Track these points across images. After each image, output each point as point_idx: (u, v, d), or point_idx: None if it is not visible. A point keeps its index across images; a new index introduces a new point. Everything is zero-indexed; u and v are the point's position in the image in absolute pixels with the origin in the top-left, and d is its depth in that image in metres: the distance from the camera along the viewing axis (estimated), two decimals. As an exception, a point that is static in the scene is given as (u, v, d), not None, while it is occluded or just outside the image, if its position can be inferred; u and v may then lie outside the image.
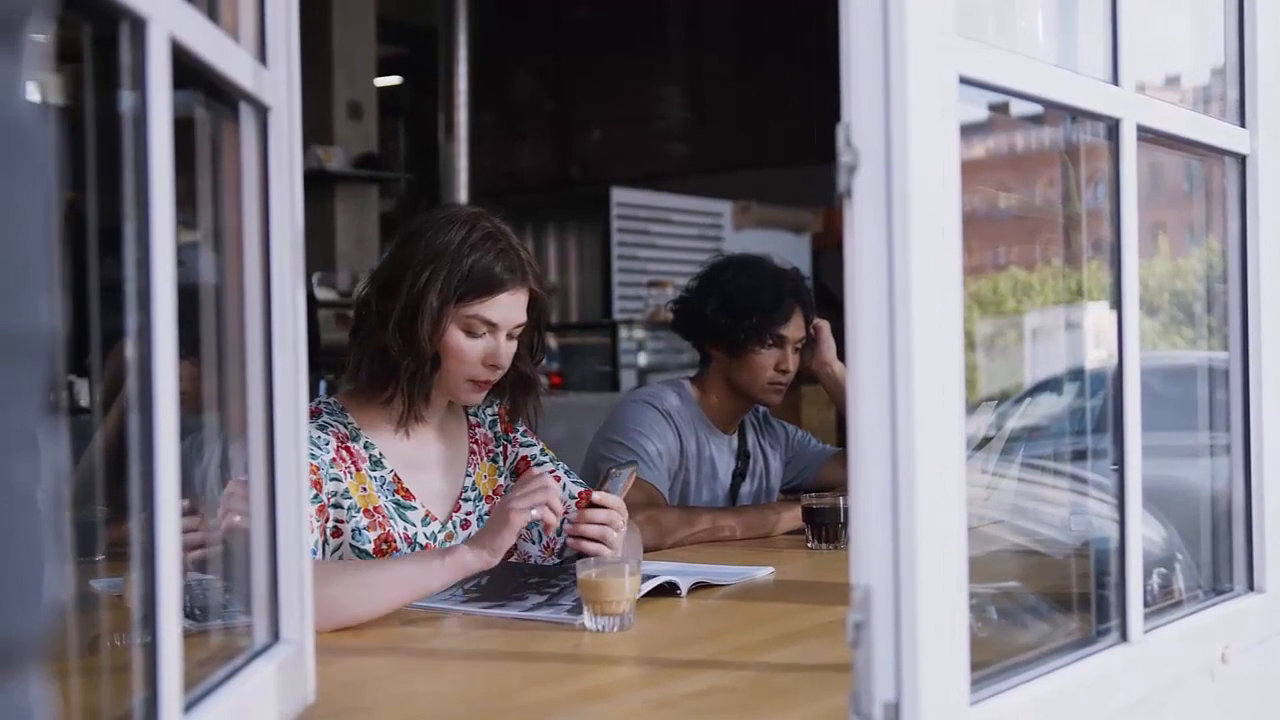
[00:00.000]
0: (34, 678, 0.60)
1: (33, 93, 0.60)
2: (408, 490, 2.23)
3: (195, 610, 1.38)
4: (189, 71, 1.12)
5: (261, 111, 1.35)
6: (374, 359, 2.20)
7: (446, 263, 2.16)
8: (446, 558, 1.97)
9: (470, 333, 2.18)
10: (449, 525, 2.28)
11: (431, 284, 2.14)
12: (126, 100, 1.03)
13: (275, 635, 1.38)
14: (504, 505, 2.00)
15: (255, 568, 1.37)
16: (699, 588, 2.17)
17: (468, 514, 2.31)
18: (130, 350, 1.02)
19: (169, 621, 1.02)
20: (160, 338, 1.02)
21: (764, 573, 2.35)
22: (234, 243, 1.37)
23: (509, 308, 2.20)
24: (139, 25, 1.00)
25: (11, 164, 0.58)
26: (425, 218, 2.27)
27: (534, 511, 1.97)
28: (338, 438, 2.17)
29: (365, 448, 2.22)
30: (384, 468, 2.22)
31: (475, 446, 2.37)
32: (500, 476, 2.38)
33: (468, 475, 2.34)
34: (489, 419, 2.42)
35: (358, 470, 2.18)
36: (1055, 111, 1.59)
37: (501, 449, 2.41)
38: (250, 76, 1.30)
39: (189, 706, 1.10)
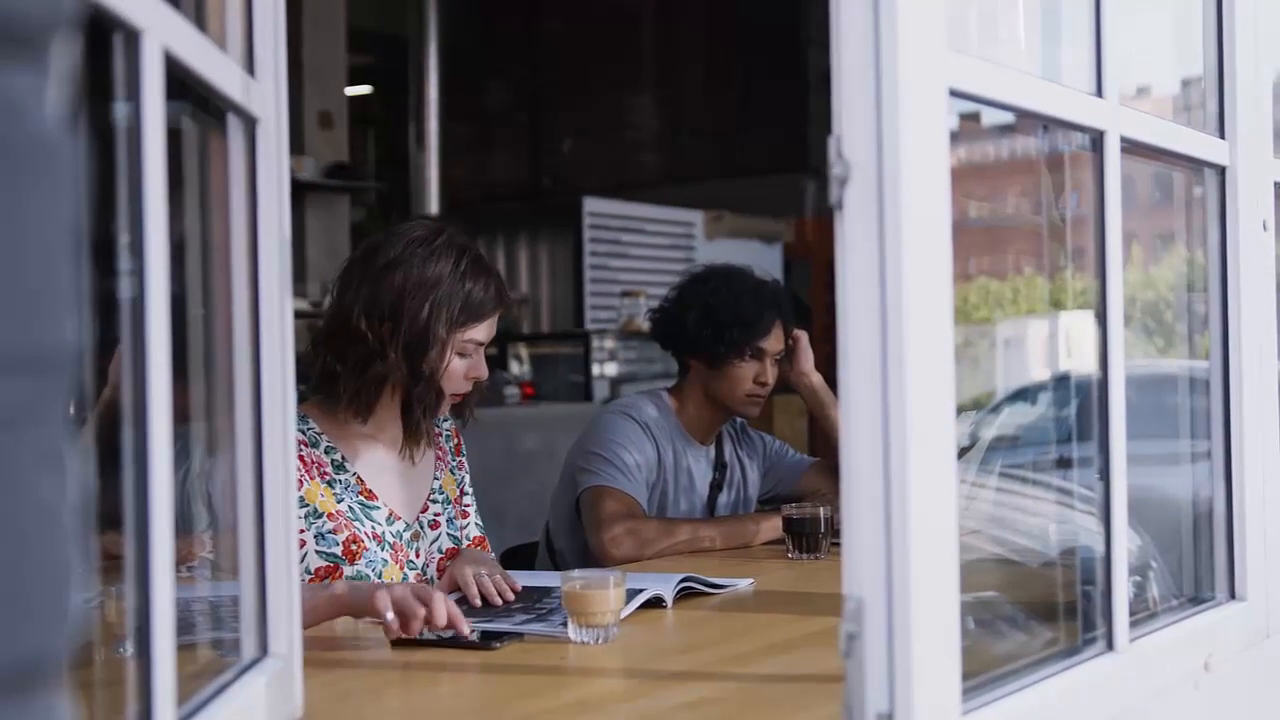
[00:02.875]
0: (61, 693, 0.59)
1: (58, 108, 0.60)
2: (371, 491, 2.29)
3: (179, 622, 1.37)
4: (178, 82, 1.12)
5: (250, 123, 1.34)
6: (375, 384, 2.24)
7: (446, 293, 2.24)
8: (320, 595, 1.92)
9: (462, 355, 2.29)
10: (415, 525, 2.35)
11: (436, 315, 2.23)
12: (119, 111, 1.02)
13: (264, 649, 1.37)
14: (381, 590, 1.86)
15: (244, 582, 1.36)
16: (685, 595, 2.18)
17: (436, 514, 2.39)
18: (124, 362, 1.01)
19: (163, 636, 1.01)
20: (154, 350, 1.01)
21: (745, 584, 2.35)
22: (221, 254, 1.36)
23: (493, 326, 2.33)
24: (133, 36, 0.99)
25: (38, 179, 0.57)
26: (398, 242, 2.28)
27: (389, 616, 1.80)
28: None
29: (326, 453, 2.27)
30: (347, 471, 2.28)
31: (440, 452, 2.46)
32: (456, 487, 2.48)
33: (435, 478, 2.42)
34: (445, 432, 2.50)
35: (313, 479, 2.23)
36: (1027, 121, 1.60)
37: (457, 463, 2.51)
38: (239, 88, 1.29)
39: (181, 722, 1.09)
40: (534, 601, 2.12)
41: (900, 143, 1.16)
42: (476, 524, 2.51)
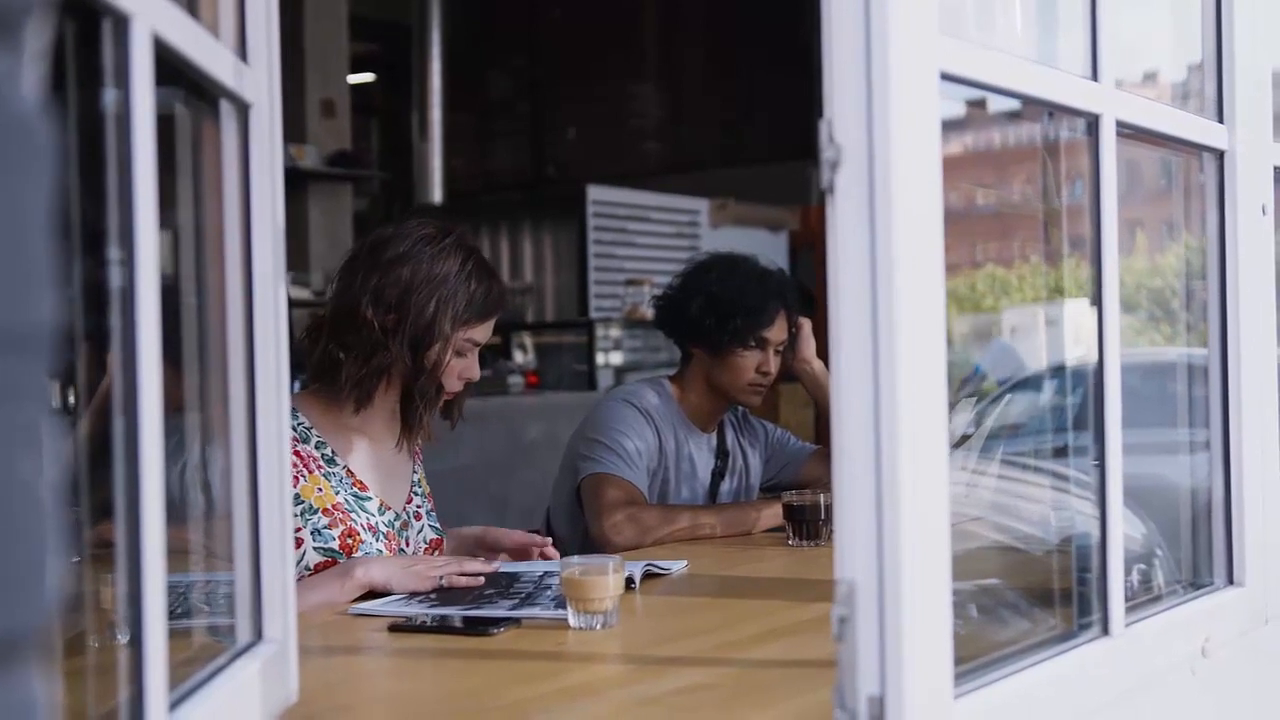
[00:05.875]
0: (37, 670, 0.60)
1: (33, 88, 0.60)
2: (362, 482, 2.33)
3: (174, 609, 1.37)
4: (169, 68, 1.12)
5: (243, 109, 1.34)
6: (376, 374, 2.28)
7: (452, 291, 2.28)
8: (347, 582, 2.10)
9: (459, 353, 2.32)
10: (404, 515, 2.40)
11: (441, 311, 2.27)
12: (108, 97, 1.02)
13: (258, 634, 1.37)
14: (421, 568, 2.14)
15: (238, 567, 1.37)
16: (649, 577, 2.23)
17: (418, 507, 2.45)
18: (113, 351, 1.01)
19: (154, 622, 1.02)
20: (144, 338, 1.01)
21: (680, 565, 2.39)
22: (214, 242, 1.36)
23: (490, 328, 2.38)
24: (122, 22, 0.99)
25: (14, 161, 0.58)
26: (407, 238, 2.31)
27: (443, 581, 2.13)
28: None
29: (317, 447, 2.30)
30: (338, 464, 2.31)
31: (417, 450, 2.50)
32: (427, 483, 2.53)
33: (415, 472, 2.47)
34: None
35: (310, 472, 2.26)
36: (1034, 108, 1.60)
37: (422, 461, 2.55)
38: (231, 73, 1.29)
39: (173, 705, 1.10)
40: (507, 587, 2.13)
41: (891, 127, 1.15)
42: (433, 526, 2.52)
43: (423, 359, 2.27)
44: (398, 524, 2.36)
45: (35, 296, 0.59)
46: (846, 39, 1.17)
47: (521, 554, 2.42)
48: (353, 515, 2.27)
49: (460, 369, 2.33)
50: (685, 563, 2.41)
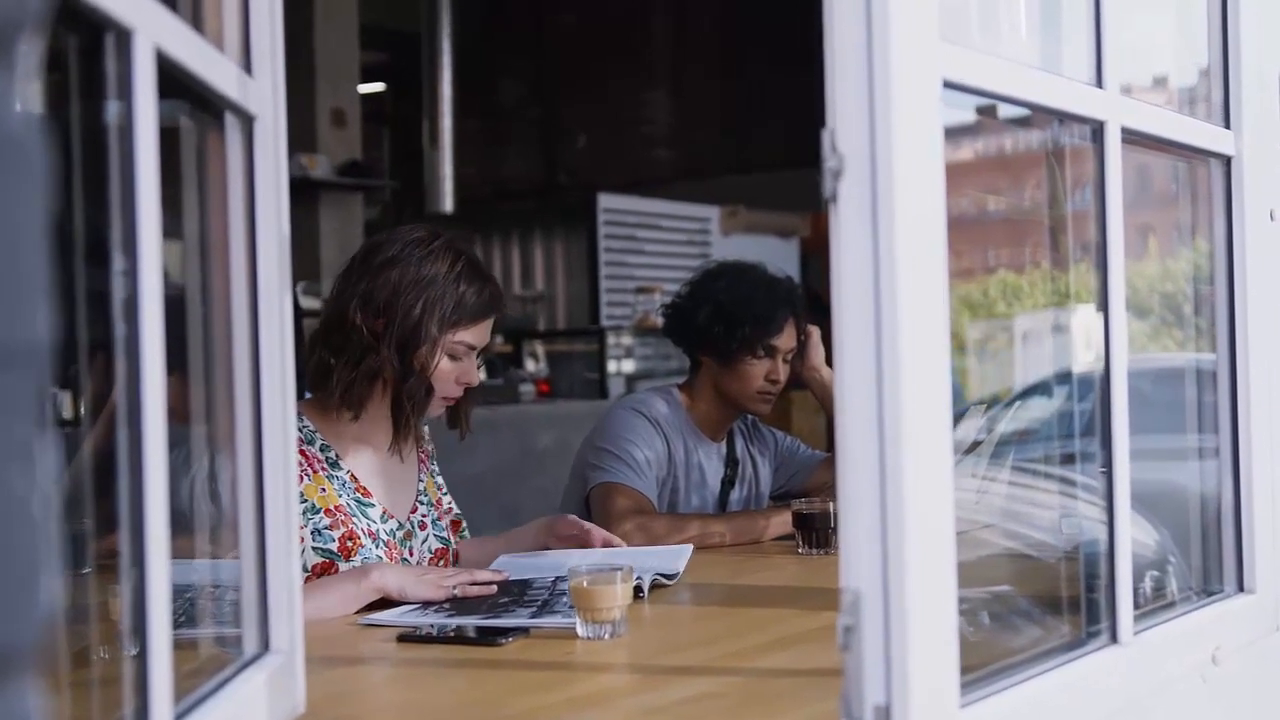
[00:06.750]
0: (31, 685, 0.60)
1: (26, 104, 0.61)
2: (365, 489, 2.33)
3: (181, 619, 1.38)
4: (173, 81, 1.12)
5: (247, 121, 1.35)
6: (366, 378, 2.28)
7: (439, 292, 2.27)
8: (362, 583, 2.08)
9: (453, 356, 2.32)
10: (407, 524, 2.39)
11: (429, 313, 2.26)
12: (111, 110, 1.03)
13: (265, 645, 1.37)
14: (434, 578, 2.14)
15: (245, 578, 1.37)
16: (657, 587, 2.22)
17: (423, 516, 2.44)
18: (118, 362, 1.02)
19: (159, 634, 1.02)
20: (148, 349, 1.01)
21: (685, 551, 2.43)
22: (220, 253, 1.36)
23: (487, 331, 2.36)
24: (124, 36, 1.00)
25: (7, 176, 0.58)
26: (397, 242, 2.32)
27: (456, 591, 2.12)
28: None
29: (321, 450, 2.30)
30: (342, 469, 2.31)
31: (423, 457, 2.50)
32: (438, 490, 2.52)
33: (420, 480, 2.46)
34: (424, 437, 2.55)
35: (315, 473, 2.27)
36: (1041, 114, 1.59)
37: (434, 469, 2.54)
38: (235, 86, 1.29)
39: (179, 717, 1.10)
40: (520, 595, 2.13)
41: (893, 135, 1.16)
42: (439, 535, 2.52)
43: (411, 361, 2.27)
44: (400, 533, 2.36)
45: (30, 312, 0.59)
46: (848, 47, 1.17)
47: (583, 542, 2.45)
48: (354, 519, 2.27)
49: (457, 373, 2.32)
50: (690, 547, 2.44)
